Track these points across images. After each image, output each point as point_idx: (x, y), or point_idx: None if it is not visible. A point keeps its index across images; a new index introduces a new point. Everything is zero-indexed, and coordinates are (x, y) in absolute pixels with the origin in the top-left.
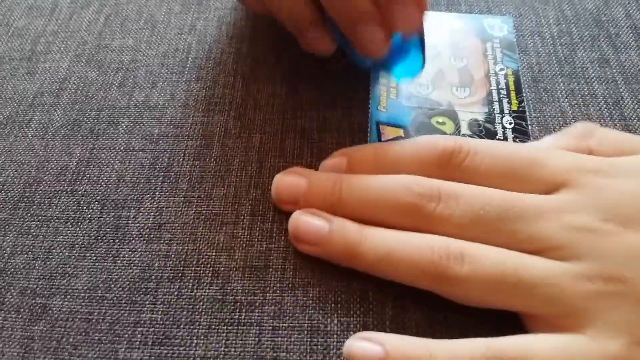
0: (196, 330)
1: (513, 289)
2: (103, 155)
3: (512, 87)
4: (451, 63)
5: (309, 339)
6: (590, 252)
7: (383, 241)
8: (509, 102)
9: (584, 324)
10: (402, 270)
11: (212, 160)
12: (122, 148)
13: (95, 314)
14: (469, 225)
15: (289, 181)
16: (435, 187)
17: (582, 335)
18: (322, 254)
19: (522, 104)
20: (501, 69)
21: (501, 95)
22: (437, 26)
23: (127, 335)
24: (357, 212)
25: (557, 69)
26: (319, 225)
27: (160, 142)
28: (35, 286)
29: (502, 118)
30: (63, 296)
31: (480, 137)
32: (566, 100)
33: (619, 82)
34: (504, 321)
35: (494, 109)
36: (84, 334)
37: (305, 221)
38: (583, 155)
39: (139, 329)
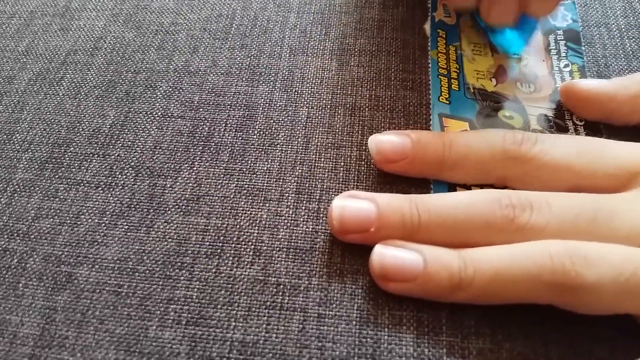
0: (235, 311)
1: None
2: (139, 119)
3: None
4: (512, 59)
5: (357, 331)
6: None
7: (489, 261)
8: None
9: None
10: (519, 289)
11: (256, 132)
12: (159, 113)
13: (125, 287)
14: (567, 230)
15: (356, 208)
16: (524, 197)
17: None
18: (416, 291)
19: None
20: (566, 65)
21: None
22: None
23: (159, 312)
24: (441, 235)
25: (624, 64)
26: (412, 259)
27: (201, 109)
28: (60, 253)
29: (572, 115)
30: (90, 265)
31: (551, 132)
32: None
33: None
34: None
35: (562, 106)
36: (111, 307)
37: (395, 256)
38: None
39: (172, 306)
